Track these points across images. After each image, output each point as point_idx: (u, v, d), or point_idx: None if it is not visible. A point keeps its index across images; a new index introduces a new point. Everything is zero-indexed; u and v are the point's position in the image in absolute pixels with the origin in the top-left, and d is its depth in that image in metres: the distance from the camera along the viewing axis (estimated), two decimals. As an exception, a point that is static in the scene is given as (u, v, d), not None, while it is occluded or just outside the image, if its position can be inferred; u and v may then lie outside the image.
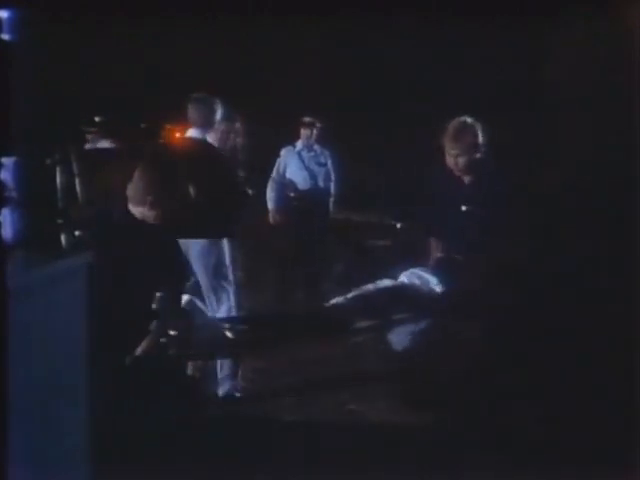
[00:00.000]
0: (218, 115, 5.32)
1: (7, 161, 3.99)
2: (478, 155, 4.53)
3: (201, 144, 5.27)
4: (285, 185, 7.86)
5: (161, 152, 5.94)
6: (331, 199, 8.03)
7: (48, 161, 4.39)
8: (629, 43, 4.27)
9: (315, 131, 7.89)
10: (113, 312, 4.68)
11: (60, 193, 4.46)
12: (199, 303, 4.96)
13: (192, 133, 5.34)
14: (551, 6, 4.38)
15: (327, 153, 7.98)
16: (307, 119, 7.93)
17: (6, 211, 3.95)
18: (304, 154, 7.91)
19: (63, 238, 4.42)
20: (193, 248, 5.19)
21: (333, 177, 7.99)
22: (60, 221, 4.44)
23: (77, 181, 4.66)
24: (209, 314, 5.00)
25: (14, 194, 4.03)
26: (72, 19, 4.28)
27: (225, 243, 5.27)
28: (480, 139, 4.54)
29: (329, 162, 7.96)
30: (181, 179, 5.23)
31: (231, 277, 5.34)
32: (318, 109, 8.06)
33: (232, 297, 5.29)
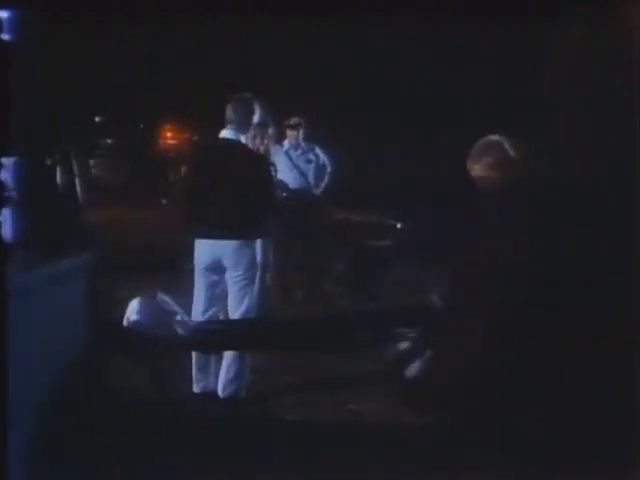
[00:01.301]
0: (256, 117, 5.37)
1: (7, 161, 3.99)
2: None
3: (238, 146, 5.34)
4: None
5: (197, 152, 6.00)
6: (323, 196, 8.03)
7: (48, 161, 4.40)
8: (629, 43, 4.27)
9: (302, 130, 7.90)
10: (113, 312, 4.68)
11: (60, 193, 4.47)
12: (169, 301, 5.06)
13: (226, 133, 5.37)
14: (551, 6, 4.38)
15: (317, 150, 7.99)
16: (294, 120, 7.94)
17: (6, 211, 3.95)
18: (292, 153, 7.93)
19: (63, 238, 4.43)
20: (227, 248, 5.25)
21: (327, 171, 7.99)
22: (60, 221, 4.45)
23: (77, 181, 4.67)
24: (182, 314, 5.10)
25: (14, 194, 4.04)
26: (72, 19, 4.28)
27: (258, 243, 5.35)
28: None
29: (319, 158, 7.97)
30: (217, 180, 5.30)
31: (258, 277, 5.40)
32: (307, 107, 8.05)
33: (255, 297, 5.35)
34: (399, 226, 7.84)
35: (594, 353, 4.16)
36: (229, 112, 5.35)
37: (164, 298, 5.19)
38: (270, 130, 5.73)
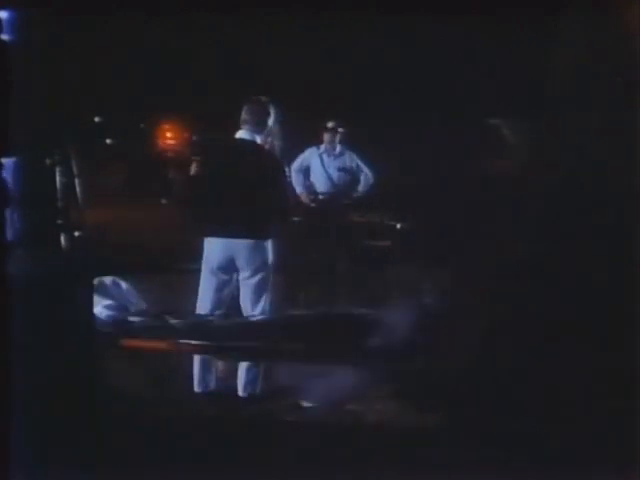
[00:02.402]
0: (271, 119, 5.46)
1: (7, 161, 4.00)
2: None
3: (253, 145, 5.42)
4: (305, 187, 7.95)
5: (213, 151, 6.06)
6: (348, 204, 8.04)
7: (48, 161, 4.40)
8: (629, 43, 4.27)
9: (338, 135, 7.92)
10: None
11: (60, 193, 4.47)
12: (123, 288, 5.11)
13: (243, 134, 5.45)
14: (551, 6, 4.38)
15: (353, 157, 7.98)
16: (330, 124, 7.95)
17: (6, 211, 3.95)
18: (325, 157, 7.96)
19: (63, 238, 4.43)
20: (241, 247, 5.30)
21: (362, 181, 7.99)
22: (60, 221, 4.45)
23: (77, 181, 4.67)
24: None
25: (14, 194, 4.04)
26: (72, 19, 4.29)
27: (270, 244, 5.40)
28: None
29: (353, 166, 7.96)
30: (233, 179, 5.36)
31: (271, 277, 5.43)
32: (343, 112, 8.05)
33: (268, 297, 5.40)
34: (399, 226, 7.84)
35: (594, 353, 4.16)
36: (245, 113, 5.44)
37: (119, 283, 5.20)
38: (275, 129, 5.79)
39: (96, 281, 5.13)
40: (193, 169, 5.95)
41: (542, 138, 5.04)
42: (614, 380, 4.06)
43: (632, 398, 3.98)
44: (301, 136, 7.68)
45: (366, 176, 7.97)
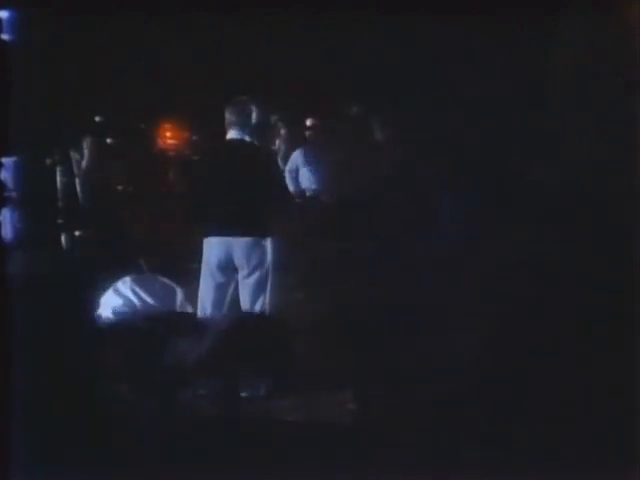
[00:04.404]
0: (254, 118, 5.49)
1: (7, 161, 4.00)
2: None
3: (248, 145, 5.46)
4: (296, 185, 8.03)
5: (208, 153, 6.09)
6: (330, 200, 8.08)
7: (48, 161, 4.41)
8: (629, 43, 4.28)
9: (320, 132, 7.99)
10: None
11: (60, 193, 4.48)
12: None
13: (234, 134, 5.48)
14: (551, 6, 4.38)
15: (334, 152, 8.03)
16: (311, 121, 8.03)
17: (6, 211, 3.96)
18: (309, 154, 8.04)
19: (63, 238, 4.43)
20: (238, 245, 5.34)
21: (341, 175, 8.05)
22: (60, 221, 4.46)
23: (77, 181, 4.68)
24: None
25: (14, 194, 4.04)
26: (72, 19, 4.29)
27: (268, 242, 5.41)
28: None
29: (333, 161, 8.02)
30: (230, 179, 5.39)
31: (270, 275, 5.44)
32: (322, 109, 8.09)
33: (267, 297, 5.42)
34: (387, 226, 7.85)
35: (594, 353, 4.16)
36: (230, 115, 5.46)
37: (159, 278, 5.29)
38: (282, 131, 5.84)
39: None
40: (191, 169, 5.97)
41: (542, 138, 5.04)
42: (614, 380, 4.06)
43: (632, 398, 3.98)
44: (293, 135, 7.72)
45: (347, 172, 8.02)
